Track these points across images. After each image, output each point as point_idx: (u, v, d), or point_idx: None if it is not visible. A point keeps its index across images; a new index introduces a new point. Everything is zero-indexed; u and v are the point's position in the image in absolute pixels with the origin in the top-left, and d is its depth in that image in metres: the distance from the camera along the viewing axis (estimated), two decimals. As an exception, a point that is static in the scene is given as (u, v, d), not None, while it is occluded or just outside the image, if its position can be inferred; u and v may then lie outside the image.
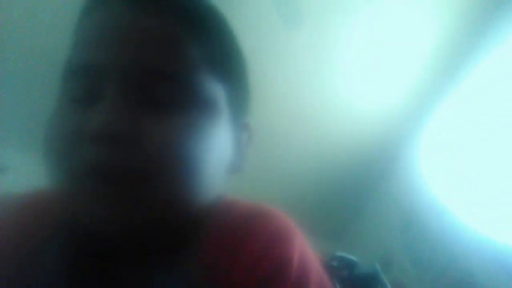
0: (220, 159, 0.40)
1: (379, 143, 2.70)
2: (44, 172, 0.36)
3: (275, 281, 0.35)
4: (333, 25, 2.03)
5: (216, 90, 0.39)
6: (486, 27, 2.00)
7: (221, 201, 0.43)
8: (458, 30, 2.08)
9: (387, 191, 2.93)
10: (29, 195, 0.45)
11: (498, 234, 1.78)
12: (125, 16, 0.35)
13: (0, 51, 1.91)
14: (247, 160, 0.47)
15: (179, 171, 0.34)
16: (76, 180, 0.33)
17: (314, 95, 2.37)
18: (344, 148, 2.70)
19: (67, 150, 0.33)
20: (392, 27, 2.10)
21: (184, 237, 0.38)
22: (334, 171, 2.84)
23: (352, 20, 2.04)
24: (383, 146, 2.72)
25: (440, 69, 2.28)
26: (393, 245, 2.69)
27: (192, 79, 0.36)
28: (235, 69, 0.44)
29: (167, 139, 0.33)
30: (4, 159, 2.43)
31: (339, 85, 2.34)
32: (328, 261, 1.72)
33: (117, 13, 0.36)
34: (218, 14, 0.41)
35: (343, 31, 2.07)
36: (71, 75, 0.36)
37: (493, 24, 1.98)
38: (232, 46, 0.44)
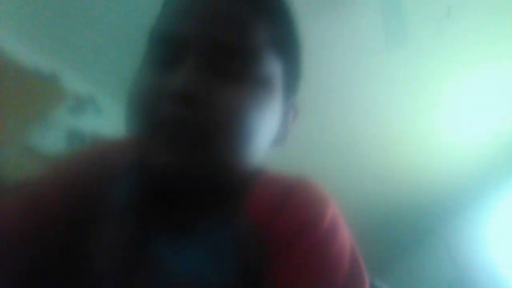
0: (269, 130, 0.46)
1: (451, 190, 2.57)
2: (125, 120, 0.43)
3: (308, 232, 0.41)
4: (435, 53, 1.95)
5: (276, 69, 0.45)
6: None
7: (264, 169, 0.50)
8: None
9: (445, 240, 2.79)
10: (112, 140, 0.55)
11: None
12: None
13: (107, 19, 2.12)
14: (289, 135, 0.53)
15: (237, 133, 0.40)
16: (151, 129, 0.39)
17: (401, 121, 2.30)
18: (413, 182, 2.60)
19: (147, 103, 0.40)
20: (505, 69, 1.97)
21: (232, 191, 0.44)
22: (396, 201, 2.74)
23: (459, 56, 1.94)
24: (455, 195, 2.58)
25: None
26: None
27: (259, 56, 0.42)
28: (294, 52, 0.50)
29: (231, 105, 0.40)
30: (101, 104, 2.71)
31: (427, 117, 2.25)
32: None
33: None
34: (285, 1, 0.48)
35: (445, 61, 1.98)
36: (156, 42, 0.43)
37: None
38: (293, 31, 0.50)
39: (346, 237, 0.44)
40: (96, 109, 2.69)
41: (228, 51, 0.41)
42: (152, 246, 0.43)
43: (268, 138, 0.47)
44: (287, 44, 0.48)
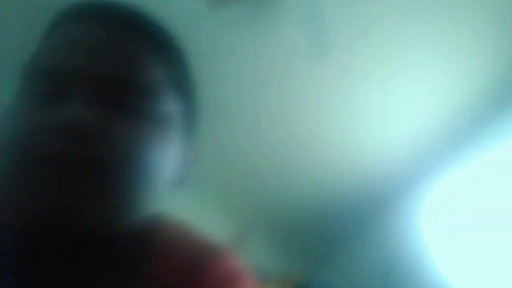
0: (166, 170, 0.42)
1: (379, 185, 2.73)
2: None
3: None
4: (359, 62, 2.06)
5: (174, 107, 0.43)
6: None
7: (162, 219, 0.46)
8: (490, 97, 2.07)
9: (374, 231, 2.93)
10: None
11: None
12: (99, 31, 0.39)
13: None
14: (189, 178, 0.50)
15: (132, 171, 0.36)
16: (32, 166, 0.33)
17: (327, 125, 2.41)
18: (343, 180, 2.73)
19: (25, 139, 0.34)
20: (423, 74, 2.09)
21: (129, 243, 0.40)
22: (325, 199, 2.86)
23: (380, 58, 2.06)
24: (382, 189, 2.73)
25: (460, 135, 2.30)
26: (372, 285, 2.68)
27: (155, 93, 0.40)
28: (190, 93, 0.49)
29: (127, 142, 0.36)
30: None
31: (353, 120, 2.37)
32: (306, 285, 1.64)
33: (92, 27, 0.40)
34: (178, 40, 0.48)
35: (367, 69, 2.08)
36: (38, 75, 0.38)
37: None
38: (189, 73, 0.49)
39: None
40: None
41: (123, 86, 0.38)
42: None
43: (165, 178, 0.42)
44: (183, 85, 0.46)
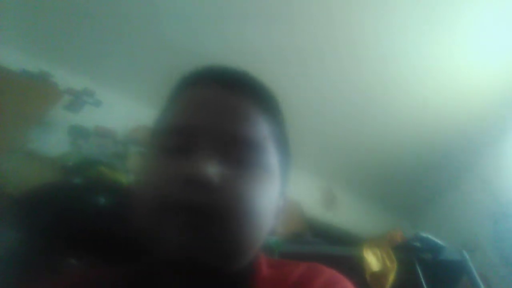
0: (270, 217, 0.47)
1: (480, 126, 2.53)
2: (133, 205, 0.44)
3: None
4: None
5: (275, 160, 0.49)
6: None
7: (261, 257, 0.51)
8: None
9: (482, 176, 2.74)
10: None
11: None
12: (218, 94, 0.47)
13: None
14: (279, 225, 0.54)
15: (251, 220, 0.42)
16: (165, 212, 0.40)
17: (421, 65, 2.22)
18: (444, 123, 2.56)
19: (161, 188, 0.41)
20: None
21: (239, 278, 0.45)
22: (423, 145, 2.70)
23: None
24: (484, 130, 2.53)
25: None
26: (481, 232, 2.52)
27: (263, 147, 0.46)
28: (286, 146, 0.54)
29: (245, 192, 0.42)
30: (99, 95, 2.61)
31: (446, 58, 2.14)
32: (410, 241, 1.60)
33: (213, 91, 0.48)
34: (280, 104, 0.54)
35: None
36: (167, 132, 0.46)
37: None
38: (286, 129, 0.55)
39: None
40: (94, 101, 2.60)
41: (239, 142, 0.44)
42: None
43: (269, 224, 0.48)
44: (282, 140, 0.52)
